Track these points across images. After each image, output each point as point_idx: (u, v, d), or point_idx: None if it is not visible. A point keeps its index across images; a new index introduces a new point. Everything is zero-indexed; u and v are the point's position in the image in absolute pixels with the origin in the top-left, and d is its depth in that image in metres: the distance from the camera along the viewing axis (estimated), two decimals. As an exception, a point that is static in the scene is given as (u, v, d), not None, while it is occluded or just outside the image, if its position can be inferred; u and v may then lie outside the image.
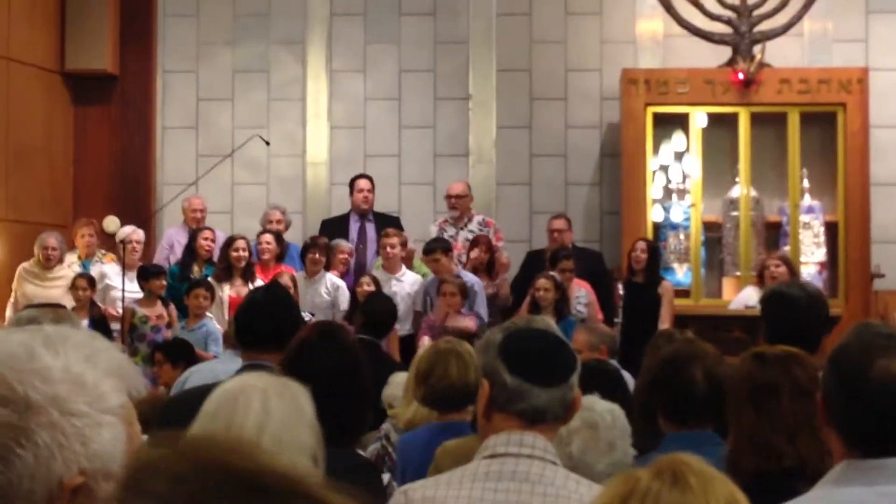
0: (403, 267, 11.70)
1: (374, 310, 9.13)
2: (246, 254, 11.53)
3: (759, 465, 3.78)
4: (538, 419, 3.20)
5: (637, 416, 4.68)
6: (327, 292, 11.47)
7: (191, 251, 12.13)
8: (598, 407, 4.17)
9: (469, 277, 11.53)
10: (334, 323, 4.53)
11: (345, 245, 12.15)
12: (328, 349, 4.29)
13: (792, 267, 11.21)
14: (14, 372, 1.71)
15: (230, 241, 11.65)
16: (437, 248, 11.55)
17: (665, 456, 2.17)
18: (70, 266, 12.28)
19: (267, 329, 4.79)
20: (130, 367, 1.83)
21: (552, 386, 3.20)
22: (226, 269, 11.52)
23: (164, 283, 11.31)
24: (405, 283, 11.45)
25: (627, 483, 2.10)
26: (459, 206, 12.67)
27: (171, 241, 12.91)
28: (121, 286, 11.42)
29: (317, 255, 11.56)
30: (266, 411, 3.15)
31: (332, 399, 3.64)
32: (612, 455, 4.14)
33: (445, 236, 12.34)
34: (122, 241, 11.98)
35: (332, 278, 11.63)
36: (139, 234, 12.31)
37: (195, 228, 12.51)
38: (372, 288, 10.91)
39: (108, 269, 12.04)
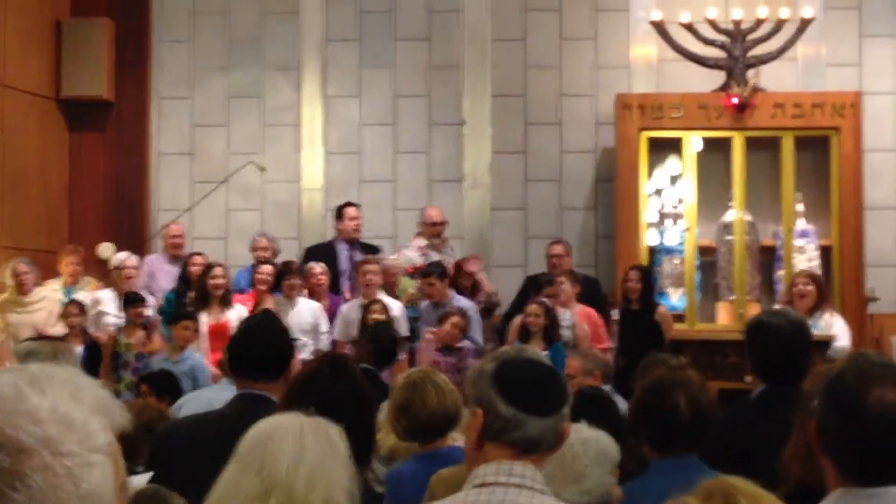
0: (382, 293, 11.66)
1: (381, 339, 9.21)
2: (224, 281, 11.49)
3: (805, 479, 3.76)
4: (531, 449, 3.19)
5: (629, 441, 4.68)
6: (311, 314, 11.48)
7: (184, 279, 12.13)
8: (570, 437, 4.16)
9: (464, 303, 11.55)
10: (342, 353, 4.55)
11: (317, 267, 12.15)
12: (338, 380, 4.30)
13: (822, 287, 11.21)
14: (4, 414, 1.70)
15: (208, 269, 11.62)
16: (433, 272, 11.58)
17: (711, 480, 2.18)
18: (54, 291, 12.25)
19: (261, 358, 4.80)
20: (113, 403, 1.82)
21: (547, 416, 3.20)
22: (202, 297, 11.47)
23: (141, 311, 11.28)
24: None
25: None
26: (439, 232, 12.75)
27: (152, 270, 12.87)
28: (114, 312, 11.41)
29: (294, 280, 11.59)
30: (301, 449, 3.20)
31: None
32: (582, 483, 4.13)
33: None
34: (118, 268, 11.96)
35: (308, 302, 11.65)
36: (134, 261, 12.30)
37: (186, 255, 12.51)
38: (383, 316, 10.88)
39: (102, 296, 12.00)
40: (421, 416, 5.38)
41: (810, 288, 10.94)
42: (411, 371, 5.94)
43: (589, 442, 4.22)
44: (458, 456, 4.94)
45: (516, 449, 3.18)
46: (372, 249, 12.60)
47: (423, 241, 12.89)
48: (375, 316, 10.84)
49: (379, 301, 11.16)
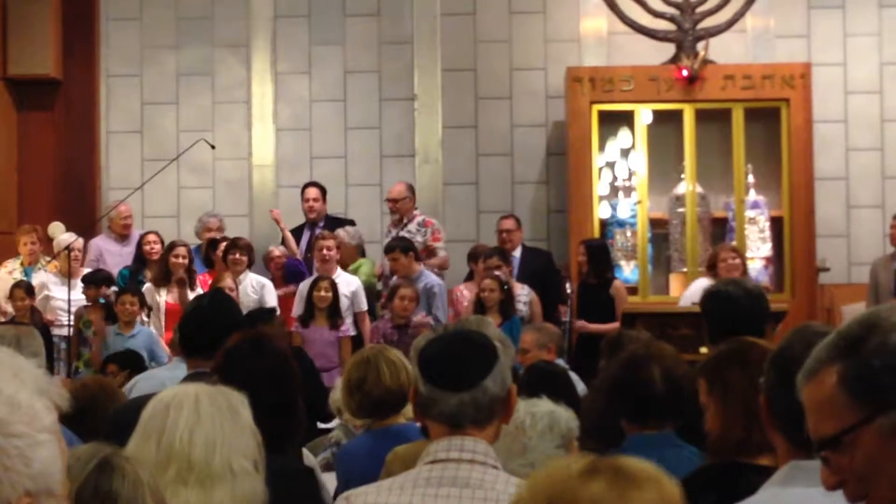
0: (339, 269, 11.61)
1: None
2: (186, 261, 11.46)
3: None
4: (456, 423, 3.21)
5: (600, 415, 4.69)
6: (254, 291, 11.39)
7: (140, 258, 12.12)
8: (518, 411, 4.16)
9: (431, 279, 11.48)
10: (264, 331, 4.54)
11: (276, 251, 12.17)
12: (258, 357, 4.30)
13: (744, 260, 11.26)
14: None
15: (171, 247, 11.59)
16: (396, 247, 11.50)
17: (602, 457, 2.17)
18: (11, 273, 12.13)
19: (211, 337, 4.76)
20: (50, 382, 1.82)
21: (461, 390, 3.21)
22: (164, 274, 11.44)
23: (102, 291, 11.21)
24: (341, 285, 11.34)
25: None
26: (398, 209, 12.59)
27: (99, 252, 12.75)
28: (61, 295, 11.32)
29: (237, 256, 11.52)
30: (197, 416, 3.29)
31: (264, 407, 3.66)
32: (527, 456, 4.14)
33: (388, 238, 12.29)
34: (67, 249, 11.86)
35: (256, 277, 11.59)
36: (80, 242, 12.20)
37: (141, 234, 12.44)
38: (329, 294, 10.85)
39: (48, 278, 11.90)
40: (374, 394, 5.37)
41: (738, 261, 10.91)
42: (364, 348, 5.93)
43: (538, 416, 4.23)
44: (411, 433, 4.95)
45: (445, 425, 3.20)
46: (344, 224, 12.52)
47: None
48: (322, 293, 10.81)
49: (326, 279, 11.09)
